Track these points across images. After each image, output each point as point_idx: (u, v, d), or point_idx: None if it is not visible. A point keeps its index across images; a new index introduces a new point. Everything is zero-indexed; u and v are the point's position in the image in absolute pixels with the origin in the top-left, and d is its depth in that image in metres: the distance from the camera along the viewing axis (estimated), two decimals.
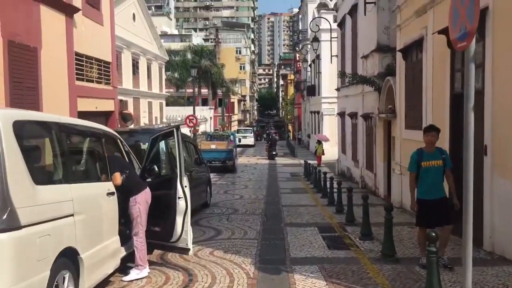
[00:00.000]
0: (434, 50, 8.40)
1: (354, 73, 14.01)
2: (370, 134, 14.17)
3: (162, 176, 7.07)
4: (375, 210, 10.01)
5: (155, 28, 32.91)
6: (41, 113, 4.50)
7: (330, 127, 28.81)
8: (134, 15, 28.23)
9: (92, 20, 13.87)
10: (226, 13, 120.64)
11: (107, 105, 15.50)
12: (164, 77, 36.47)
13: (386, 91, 12.25)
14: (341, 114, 20.13)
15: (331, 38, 20.95)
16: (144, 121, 29.73)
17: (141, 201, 5.54)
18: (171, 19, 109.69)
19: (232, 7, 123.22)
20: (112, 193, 5.19)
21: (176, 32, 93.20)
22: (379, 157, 12.91)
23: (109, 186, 5.19)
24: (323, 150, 26.71)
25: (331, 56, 21.43)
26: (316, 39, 21.16)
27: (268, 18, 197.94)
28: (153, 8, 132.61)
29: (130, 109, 27.77)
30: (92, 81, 14.01)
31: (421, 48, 9.11)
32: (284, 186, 16.84)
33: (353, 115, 16.97)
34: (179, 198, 5.95)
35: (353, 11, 16.51)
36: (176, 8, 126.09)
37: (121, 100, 26.15)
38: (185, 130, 27.71)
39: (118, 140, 6.11)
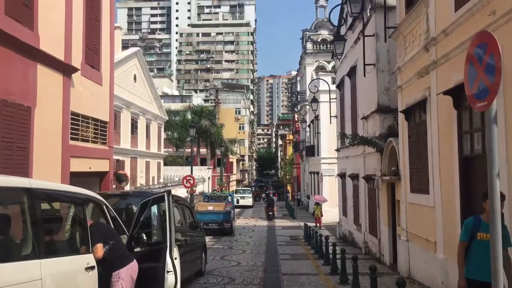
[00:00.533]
0: (439, 111, 8.12)
1: (354, 134, 13.77)
2: (373, 197, 13.66)
3: (150, 245, 6.50)
4: (382, 281, 9.31)
5: (156, 88, 33.28)
6: (9, 178, 4.02)
7: (330, 188, 28.28)
8: (135, 76, 28.60)
9: (91, 80, 13.80)
10: (226, 75, 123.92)
11: (102, 165, 15.10)
12: (163, 136, 36.42)
13: (389, 152, 11.91)
14: (342, 175, 19.70)
15: (330, 99, 21.00)
16: (140, 181, 29.26)
17: (125, 277, 4.92)
18: (172, 81, 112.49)
19: (232, 70, 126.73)
20: (92, 268, 4.61)
21: (177, 93, 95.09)
22: (383, 222, 12.32)
23: (88, 259, 4.61)
24: (321, 212, 26.49)
25: (330, 116, 21.38)
26: (315, 100, 21.23)
27: (267, 80, 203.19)
28: (155, 70, 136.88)
29: (127, 169, 27.38)
30: (87, 141, 13.70)
31: (425, 109, 8.86)
32: (284, 251, 16.05)
33: (354, 177, 16.54)
34: (167, 272, 5.35)
35: (351, 73, 16.57)
36: (178, 70, 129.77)
37: (118, 160, 25.84)
38: (182, 191, 27.19)
39: (104, 206, 5.61)
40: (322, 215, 26.60)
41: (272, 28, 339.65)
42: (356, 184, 16.47)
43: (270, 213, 30.91)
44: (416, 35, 9.44)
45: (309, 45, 39.42)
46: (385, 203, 12.17)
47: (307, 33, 41.28)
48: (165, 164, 47.44)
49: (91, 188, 15.63)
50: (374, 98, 12.97)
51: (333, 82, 23.09)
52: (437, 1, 8.19)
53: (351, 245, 17.21)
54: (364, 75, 12.93)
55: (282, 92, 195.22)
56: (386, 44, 12.59)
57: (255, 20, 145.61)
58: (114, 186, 16.11)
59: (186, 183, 21.33)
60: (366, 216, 14.56)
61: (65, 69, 11.78)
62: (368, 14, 13.61)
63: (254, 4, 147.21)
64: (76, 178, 14.20)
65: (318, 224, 25.94)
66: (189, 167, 46.09)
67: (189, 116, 48.28)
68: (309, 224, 23.60)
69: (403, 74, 10.31)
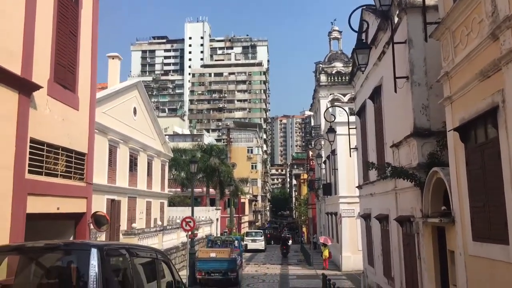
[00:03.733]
0: None
1: (383, 165, 11.06)
2: (411, 245, 10.78)
3: None
4: None
5: (158, 123, 31.15)
6: None
7: (350, 231, 25.20)
8: (135, 109, 26.51)
9: (63, 103, 11.48)
10: (238, 114, 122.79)
11: (77, 206, 12.53)
12: (167, 175, 33.97)
13: (432, 186, 9.16)
14: (366, 217, 16.80)
15: (349, 129, 18.42)
16: (140, 223, 26.58)
17: None
18: (184, 120, 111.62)
19: (244, 109, 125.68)
20: None
21: (188, 132, 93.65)
22: (429, 279, 9.40)
23: None
24: (330, 253, 26.74)
25: (350, 149, 18.72)
26: (331, 130, 18.72)
27: (281, 120, 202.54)
28: (167, 110, 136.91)
29: (124, 209, 24.77)
30: (55, 175, 11.22)
31: (495, 122, 6.21)
32: None
33: (383, 218, 13.67)
34: None
35: (375, 94, 14.08)
36: (190, 110, 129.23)
37: (113, 200, 23.29)
38: (182, 235, 24.37)
39: None
40: (330, 257, 26.81)
41: (285, 69, 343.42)
42: (385, 227, 13.58)
43: (285, 250, 35.51)
44: (473, 24, 6.94)
45: (323, 78, 37.30)
46: (430, 253, 9.30)
47: (321, 65, 39.29)
48: (172, 204, 44.81)
49: (63, 234, 13.07)
50: (408, 119, 10.37)
51: (351, 114, 20.61)
52: None
53: None
54: (395, 91, 10.37)
55: (296, 132, 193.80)
56: (423, 51, 10.13)
57: (268, 60, 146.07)
58: (93, 229, 13.48)
59: (185, 226, 18.59)
60: (402, 269, 11.61)
61: (22, 86, 9.48)
62: (396, 19, 11.23)
63: (267, 45, 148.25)
64: (40, 221, 11.69)
65: (326, 266, 26.05)
66: (198, 207, 43.62)
67: (198, 155, 45.88)
68: (327, 272, 20.52)
69: (454, 81, 7.74)
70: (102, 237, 19.41)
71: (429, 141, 9.83)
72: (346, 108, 21.08)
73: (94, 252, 4.96)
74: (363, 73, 13.19)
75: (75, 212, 12.46)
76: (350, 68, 38.80)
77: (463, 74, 7.32)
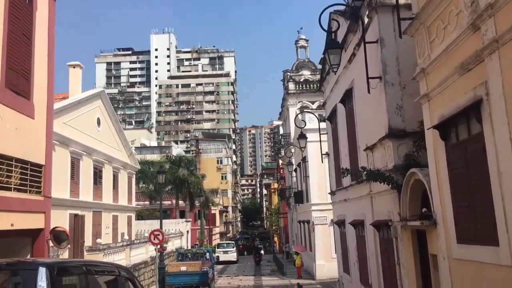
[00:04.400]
0: (510, 114, 5.18)
1: (359, 168, 10.71)
2: (389, 250, 10.42)
3: None
4: None
5: (124, 134, 30.10)
6: None
7: (323, 239, 24.87)
8: (99, 119, 25.47)
9: (16, 111, 10.62)
10: (207, 125, 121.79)
11: (33, 221, 11.61)
12: (134, 187, 32.83)
13: (410, 188, 8.85)
14: (340, 223, 16.46)
15: (320, 134, 18.13)
16: (106, 238, 25.40)
17: None
18: (151, 132, 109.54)
19: (213, 120, 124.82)
20: None
21: (155, 144, 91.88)
22: (409, 285, 9.03)
23: None
24: (302, 261, 27.21)
25: (322, 155, 18.40)
26: (303, 136, 18.36)
27: (249, 131, 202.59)
28: (133, 122, 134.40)
29: (89, 224, 23.59)
30: (8, 189, 10.33)
31: (479, 117, 5.90)
32: None
33: (358, 224, 13.32)
34: None
35: (347, 98, 13.81)
36: (158, 122, 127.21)
37: (76, 215, 22.12)
38: (151, 249, 23.37)
39: None
40: (303, 265, 27.37)
41: (252, 80, 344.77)
42: (361, 233, 13.23)
43: (257, 259, 37.57)
44: (451, 17, 6.67)
45: (291, 86, 37.20)
46: (410, 258, 8.94)
47: (289, 73, 39.20)
48: (141, 218, 43.39)
49: (19, 253, 12.07)
50: (382, 120, 10.07)
51: (321, 120, 20.37)
52: None
53: None
54: (369, 91, 10.07)
55: (265, 142, 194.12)
56: (395, 50, 9.89)
57: (235, 71, 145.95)
58: (52, 246, 12.52)
59: (154, 239, 17.75)
60: (380, 276, 11.23)
61: None
62: (367, 19, 10.99)
63: (234, 56, 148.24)
64: None
65: (300, 275, 26.37)
66: (167, 220, 42.38)
67: (167, 166, 44.72)
68: (302, 281, 20.06)
69: (431, 77, 7.45)
70: (65, 255, 18.32)
71: (405, 142, 9.54)
72: (316, 114, 20.81)
73: (42, 272, 4.29)
74: (335, 73, 12.88)
75: (31, 228, 11.54)
76: (318, 76, 38.92)
77: (440, 70, 7.04)
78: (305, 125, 19.61)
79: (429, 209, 7.94)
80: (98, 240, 18.14)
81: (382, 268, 11.05)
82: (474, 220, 6.21)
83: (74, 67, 23.42)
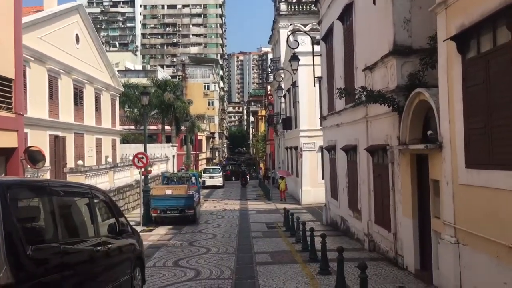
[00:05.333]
0: None
1: (360, 88, 9.89)
2: (383, 175, 9.96)
3: None
4: None
5: (106, 53, 28.50)
6: None
7: (310, 165, 24.65)
8: (77, 36, 23.82)
9: None
10: (194, 50, 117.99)
11: (5, 140, 10.81)
12: (118, 110, 31.80)
13: (413, 110, 8.15)
14: (330, 149, 15.98)
15: (313, 55, 17.05)
16: (90, 161, 24.85)
17: None
18: (136, 55, 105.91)
19: (200, 44, 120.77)
20: None
21: (141, 68, 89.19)
22: (405, 211, 8.64)
23: None
24: (286, 185, 27.56)
25: (314, 78, 17.48)
26: (295, 57, 17.27)
27: (237, 57, 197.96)
28: (117, 44, 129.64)
29: (70, 146, 22.84)
30: None
31: (508, 24, 5.04)
32: (261, 248, 12.26)
33: (350, 149, 12.80)
34: None
35: (346, 13, 12.67)
36: (143, 45, 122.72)
37: (57, 136, 21.26)
38: (136, 172, 22.94)
39: None
40: (286, 189, 27.62)
41: (241, 3, 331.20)
42: (352, 158, 12.75)
43: (244, 181, 40.73)
44: None
45: (283, 6, 35.19)
46: (407, 184, 8.46)
47: None
48: (126, 142, 42.77)
49: None
50: (387, 36, 9.13)
51: (314, 43, 19.15)
52: None
53: (345, 235, 13.65)
54: (374, 2, 9.02)
55: (253, 69, 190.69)
56: None
57: None
58: (27, 167, 11.84)
59: (138, 162, 17.16)
60: (371, 201, 10.88)
61: None
62: None
63: None
64: None
65: (283, 198, 26.66)
66: (152, 144, 41.91)
67: (152, 90, 43.32)
68: (288, 206, 20.03)
69: None
70: (45, 176, 17.70)
71: (410, 60, 8.71)
72: (310, 35, 19.57)
73: None
74: None
75: (3, 147, 10.77)
76: None
77: None
78: (298, 45, 18.42)
79: (438, 133, 7.29)
80: (79, 162, 17.51)
81: (374, 194, 10.67)
82: (490, 142, 5.58)
83: None
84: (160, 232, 15.95)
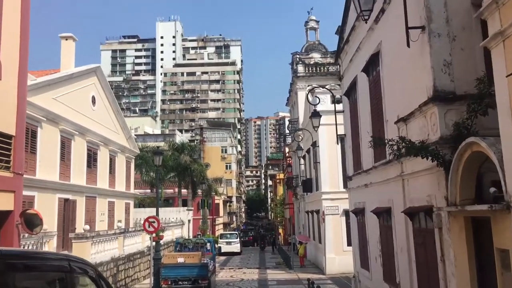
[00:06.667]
0: None
1: (398, 138, 8.67)
2: (427, 243, 8.48)
3: None
4: None
5: (122, 115, 28.24)
6: None
7: (334, 230, 22.96)
8: (94, 98, 23.60)
9: None
10: (212, 114, 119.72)
11: (0, 202, 9.79)
12: (133, 173, 31.03)
13: (463, 165, 6.88)
14: (357, 212, 14.52)
15: (335, 112, 16.13)
16: (101, 225, 23.65)
17: None
18: (155, 121, 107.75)
19: (218, 109, 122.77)
20: None
21: (160, 132, 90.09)
22: (458, 285, 7.09)
23: None
24: (305, 251, 28.46)
25: (337, 135, 16.42)
26: (316, 114, 16.37)
27: (255, 122, 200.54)
28: (138, 110, 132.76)
29: (81, 210, 21.79)
30: None
31: None
32: None
33: (383, 212, 11.38)
34: None
35: (371, 64, 11.81)
36: (162, 110, 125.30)
37: (67, 200, 20.33)
38: (148, 238, 21.53)
39: None
40: (305, 256, 28.43)
41: (258, 70, 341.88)
42: (386, 223, 11.29)
43: (263, 245, 42.58)
44: None
45: (300, 68, 35.13)
46: (464, 253, 7.00)
47: (298, 56, 37.08)
48: (142, 206, 41.68)
49: None
50: (424, 82, 8.08)
51: (334, 101, 18.36)
52: None
53: None
54: (408, 45, 8.08)
55: (270, 134, 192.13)
56: None
57: (241, 60, 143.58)
58: (22, 232, 10.70)
59: (149, 227, 15.90)
60: (413, 273, 9.30)
61: None
62: None
63: (240, 44, 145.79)
64: None
65: (302, 264, 26.61)
66: (169, 208, 40.67)
67: (169, 153, 42.86)
68: (312, 276, 18.22)
69: (508, 9, 5.45)
70: (52, 244, 16.47)
71: (454, 108, 7.56)
72: (330, 91, 18.80)
73: None
74: (366, 22, 10.66)
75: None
76: (329, 59, 36.81)
77: None
78: (319, 101, 17.58)
79: (503, 190, 5.97)
80: (85, 227, 16.30)
81: (417, 265, 9.11)
82: None
83: (66, 39, 21.50)
84: None
